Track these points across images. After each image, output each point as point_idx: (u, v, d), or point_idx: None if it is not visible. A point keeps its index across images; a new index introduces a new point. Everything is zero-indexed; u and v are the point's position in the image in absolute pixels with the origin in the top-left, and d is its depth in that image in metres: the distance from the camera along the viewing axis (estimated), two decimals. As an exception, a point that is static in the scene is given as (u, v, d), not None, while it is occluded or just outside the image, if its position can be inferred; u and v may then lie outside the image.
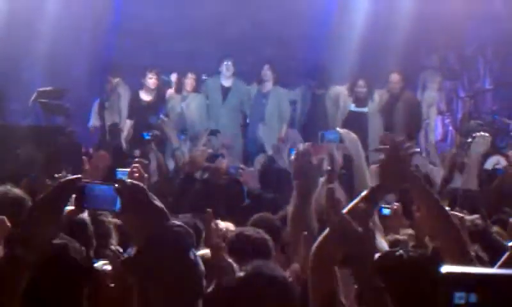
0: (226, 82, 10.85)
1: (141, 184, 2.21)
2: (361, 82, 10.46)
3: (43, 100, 10.44)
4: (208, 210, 3.59)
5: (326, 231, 2.67)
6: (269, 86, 10.83)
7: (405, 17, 11.38)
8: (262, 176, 6.69)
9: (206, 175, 6.39)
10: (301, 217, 3.30)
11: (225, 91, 10.84)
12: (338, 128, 4.77)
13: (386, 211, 5.09)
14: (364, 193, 2.85)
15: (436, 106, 11.55)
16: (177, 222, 2.19)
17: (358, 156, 4.25)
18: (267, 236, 3.55)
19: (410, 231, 4.18)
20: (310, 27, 12.10)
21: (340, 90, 10.71)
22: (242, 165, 6.71)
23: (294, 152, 6.27)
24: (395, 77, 10.57)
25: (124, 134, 10.35)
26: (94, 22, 12.03)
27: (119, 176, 5.03)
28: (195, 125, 10.55)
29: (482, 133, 5.49)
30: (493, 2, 11.98)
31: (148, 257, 2.10)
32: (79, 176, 2.24)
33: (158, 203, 2.19)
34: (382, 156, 3.03)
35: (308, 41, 12.25)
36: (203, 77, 11.01)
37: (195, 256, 2.14)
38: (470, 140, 5.50)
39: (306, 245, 3.01)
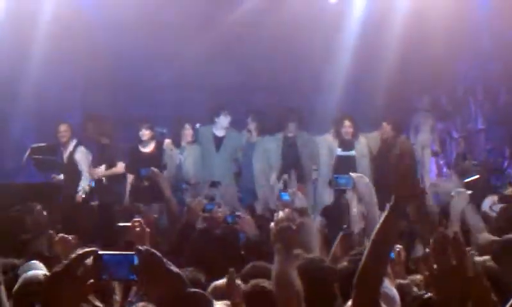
0: (219, 132, 10.86)
1: (158, 253, 2.21)
2: (347, 123, 10.47)
3: (36, 157, 10.44)
4: (231, 269, 3.62)
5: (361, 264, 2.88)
6: (254, 135, 10.87)
7: (394, 59, 11.49)
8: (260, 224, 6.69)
9: (204, 225, 6.40)
10: (285, 279, 3.32)
11: (218, 141, 10.85)
12: (351, 173, 4.78)
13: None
14: (385, 215, 2.98)
15: (430, 148, 11.59)
16: (195, 289, 2.19)
17: (370, 201, 4.28)
18: None
19: (418, 276, 4.16)
20: (298, 75, 12.20)
21: (326, 136, 10.74)
22: (238, 213, 6.70)
23: (284, 198, 6.34)
24: (385, 126, 10.64)
25: (127, 188, 10.32)
26: (85, 78, 12.07)
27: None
28: (192, 175, 10.56)
29: (458, 189, 5.51)
30: (480, 42, 12.12)
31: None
32: (95, 248, 2.24)
33: (175, 269, 2.20)
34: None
35: (297, 89, 12.35)
36: (197, 126, 11.02)
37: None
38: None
39: None
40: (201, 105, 11.69)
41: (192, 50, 11.93)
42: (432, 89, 12.36)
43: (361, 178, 4.56)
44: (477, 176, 9.47)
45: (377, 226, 2.97)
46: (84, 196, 9.85)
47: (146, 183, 8.10)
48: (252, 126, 10.88)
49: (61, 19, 11.15)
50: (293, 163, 10.33)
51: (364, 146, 10.53)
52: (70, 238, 4.72)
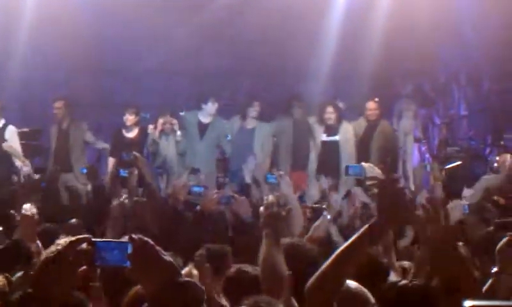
0: (205, 119, 10.80)
1: (151, 241, 2.24)
2: (329, 108, 10.52)
3: (20, 142, 10.39)
4: (201, 252, 3.66)
5: (321, 269, 2.75)
6: (254, 122, 10.83)
7: (378, 46, 11.54)
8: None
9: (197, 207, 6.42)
10: (272, 264, 3.38)
11: (203, 128, 10.77)
12: (363, 163, 4.83)
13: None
14: (362, 231, 2.82)
15: (413, 134, 11.66)
16: (187, 278, 2.23)
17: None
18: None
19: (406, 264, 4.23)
20: (285, 59, 12.21)
21: (312, 121, 10.79)
22: (233, 194, 6.73)
23: (270, 180, 6.37)
24: (371, 105, 10.65)
25: (108, 172, 10.30)
26: (67, 62, 12.02)
27: None
28: (174, 162, 10.54)
29: (455, 200, 5.63)
30: (462, 29, 12.19)
31: (159, 312, 2.13)
32: (88, 235, 2.28)
33: (168, 258, 2.23)
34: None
35: (284, 73, 12.37)
36: (181, 113, 10.98)
37: (207, 311, 2.17)
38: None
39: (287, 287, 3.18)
40: (186, 91, 11.69)
41: (178, 34, 11.91)
42: (415, 75, 12.43)
43: (373, 168, 4.61)
44: (459, 163, 9.58)
45: (349, 241, 2.80)
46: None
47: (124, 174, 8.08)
48: (255, 112, 10.80)
49: (45, 1, 11.11)
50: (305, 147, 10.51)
51: (348, 131, 10.58)
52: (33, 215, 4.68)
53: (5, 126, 10.17)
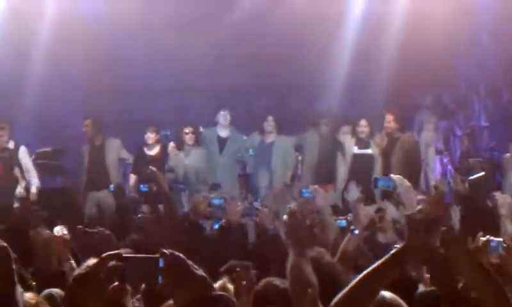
0: (223, 133, 10.89)
1: (182, 256, 2.21)
2: (363, 122, 10.51)
3: (41, 161, 10.44)
4: (238, 269, 3.62)
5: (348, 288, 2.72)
6: (272, 136, 10.84)
7: (395, 58, 11.50)
8: None
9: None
10: (300, 274, 3.30)
11: (222, 142, 10.87)
12: (392, 175, 4.75)
13: (341, 223, 5.16)
14: (390, 255, 2.77)
15: (434, 146, 11.60)
16: (220, 293, 2.20)
17: (410, 204, 4.24)
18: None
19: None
20: (301, 74, 12.20)
21: (342, 132, 10.77)
22: (257, 206, 6.71)
23: (305, 194, 6.32)
24: (388, 117, 10.61)
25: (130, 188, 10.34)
26: (84, 82, 12.08)
27: None
28: (195, 178, 10.56)
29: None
30: (479, 40, 12.14)
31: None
32: (120, 251, 2.25)
33: (200, 272, 2.20)
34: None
35: (299, 87, 12.36)
36: (200, 129, 11.03)
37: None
38: None
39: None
40: (203, 108, 11.70)
41: (192, 52, 11.96)
42: (433, 87, 12.38)
43: (402, 180, 4.53)
44: (482, 174, 9.48)
45: (378, 262, 2.75)
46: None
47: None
48: (271, 126, 10.81)
49: (62, 22, 11.19)
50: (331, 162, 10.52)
51: (378, 146, 10.58)
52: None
53: (17, 146, 10.23)
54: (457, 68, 12.61)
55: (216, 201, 6.76)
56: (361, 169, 10.31)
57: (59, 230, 4.79)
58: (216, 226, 6.65)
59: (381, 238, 5.90)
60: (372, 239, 5.67)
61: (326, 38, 11.71)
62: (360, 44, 11.59)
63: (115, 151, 10.57)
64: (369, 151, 10.52)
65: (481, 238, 4.19)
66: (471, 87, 12.58)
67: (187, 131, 10.71)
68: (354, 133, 10.62)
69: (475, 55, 12.28)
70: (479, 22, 11.96)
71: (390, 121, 10.55)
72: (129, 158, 10.76)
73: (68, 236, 4.79)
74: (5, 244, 2.88)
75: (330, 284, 3.58)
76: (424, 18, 11.36)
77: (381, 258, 2.74)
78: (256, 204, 6.93)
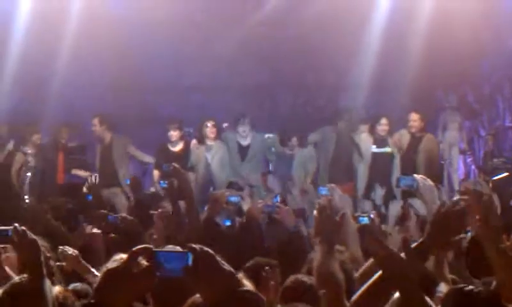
0: (244, 141, 10.84)
1: (210, 250, 2.24)
2: (384, 121, 10.51)
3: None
4: (267, 268, 3.62)
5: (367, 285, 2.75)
6: (295, 149, 10.86)
7: (419, 57, 11.45)
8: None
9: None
10: (327, 271, 3.28)
11: (243, 150, 10.82)
12: (415, 175, 4.75)
13: (364, 219, 5.14)
14: (409, 251, 2.77)
15: (458, 146, 11.56)
16: (247, 288, 2.22)
17: (433, 204, 4.23)
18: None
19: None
20: (324, 74, 12.21)
21: (360, 131, 10.77)
22: (278, 204, 6.71)
23: (322, 192, 6.32)
24: (414, 116, 10.59)
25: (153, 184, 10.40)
26: (110, 79, 12.16)
27: None
28: (219, 176, 10.57)
29: None
30: (505, 39, 12.05)
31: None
32: (149, 245, 2.29)
33: (227, 267, 2.23)
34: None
35: (323, 87, 12.36)
36: (224, 125, 11.03)
37: (266, 321, 2.16)
38: None
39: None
40: (227, 106, 11.73)
41: (218, 50, 11.99)
42: (458, 86, 12.32)
43: (425, 180, 4.53)
44: (506, 174, 9.44)
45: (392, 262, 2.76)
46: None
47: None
48: (294, 142, 10.84)
49: (89, 19, 11.27)
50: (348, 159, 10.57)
51: (396, 144, 10.58)
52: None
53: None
54: (482, 68, 12.53)
55: (233, 199, 6.74)
56: (381, 167, 10.32)
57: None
58: (227, 223, 6.66)
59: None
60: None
61: (352, 37, 11.70)
62: (385, 43, 11.56)
63: (123, 147, 10.63)
64: (388, 149, 10.51)
65: None
66: (496, 87, 12.49)
67: (209, 125, 10.70)
68: (372, 131, 10.60)
69: (500, 55, 12.20)
70: (505, 22, 11.89)
71: (415, 119, 10.54)
72: (140, 155, 10.79)
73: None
74: (34, 237, 2.94)
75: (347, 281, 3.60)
76: (450, 18, 11.30)
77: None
78: (277, 201, 6.90)
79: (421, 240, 2.87)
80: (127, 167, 10.70)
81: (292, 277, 3.78)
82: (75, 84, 11.79)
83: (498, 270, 2.83)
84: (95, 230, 4.88)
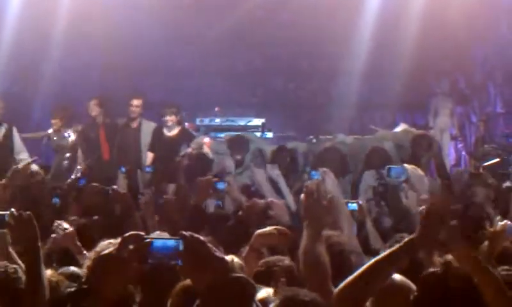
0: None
1: (202, 238, 2.26)
2: None
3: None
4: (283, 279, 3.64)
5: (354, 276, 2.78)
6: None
7: (412, 43, 11.46)
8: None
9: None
10: (313, 255, 3.30)
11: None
12: (405, 165, 4.78)
13: (352, 206, 5.18)
14: (400, 245, 2.85)
15: (449, 131, 11.61)
16: (239, 274, 2.24)
17: (423, 193, 4.25)
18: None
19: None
20: (318, 60, 12.20)
21: None
22: (272, 199, 6.72)
23: (314, 176, 6.32)
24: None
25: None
26: (102, 62, 12.13)
27: None
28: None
29: None
30: (498, 26, 12.07)
31: (211, 308, 2.15)
32: (141, 232, 2.31)
33: (219, 254, 2.25)
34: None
35: (316, 73, 12.35)
36: (216, 109, 11.03)
37: (257, 306, 2.19)
38: None
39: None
40: (220, 90, 11.73)
41: (210, 35, 11.96)
42: (450, 73, 12.34)
43: (415, 169, 4.55)
44: (496, 160, 9.49)
45: (386, 252, 2.85)
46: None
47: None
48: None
49: (81, 2, 11.23)
50: None
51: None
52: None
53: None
54: (474, 54, 12.55)
55: (220, 185, 6.74)
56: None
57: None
58: (219, 204, 6.67)
59: (386, 222, 5.92)
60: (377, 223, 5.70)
61: (345, 24, 11.68)
62: (379, 30, 11.56)
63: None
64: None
65: (499, 223, 4.21)
66: (487, 74, 12.52)
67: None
68: None
69: (493, 42, 12.21)
70: (498, 9, 11.89)
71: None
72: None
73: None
74: (35, 224, 2.96)
75: (340, 264, 3.60)
76: (444, 4, 11.31)
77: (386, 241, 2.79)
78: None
79: (411, 236, 2.89)
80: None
81: (264, 260, 3.81)
82: (66, 67, 11.74)
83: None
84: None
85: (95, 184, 6.92)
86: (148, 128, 10.56)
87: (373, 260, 2.82)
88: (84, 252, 4.44)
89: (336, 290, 2.82)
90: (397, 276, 3.05)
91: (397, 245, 2.83)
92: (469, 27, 11.47)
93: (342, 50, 11.76)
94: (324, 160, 8.17)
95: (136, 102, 10.42)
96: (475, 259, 2.81)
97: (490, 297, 2.74)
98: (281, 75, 12.75)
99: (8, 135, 10.16)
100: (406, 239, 2.85)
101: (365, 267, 2.81)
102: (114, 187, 6.57)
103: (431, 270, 2.96)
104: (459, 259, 2.82)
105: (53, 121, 10.62)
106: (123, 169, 8.70)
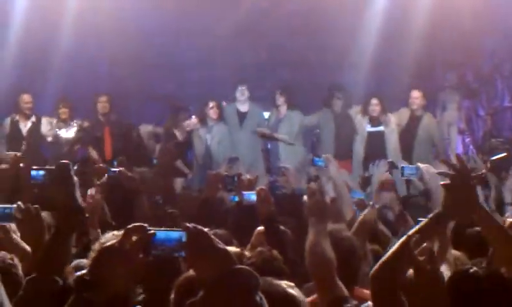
0: (242, 107, 10.98)
1: (205, 229, 2.26)
2: (374, 101, 10.59)
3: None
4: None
5: (388, 255, 2.86)
6: (283, 110, 10.92)
7: (420, 36, 11.44)
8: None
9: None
10: (318, 251, 3.39)
11: (242, 116, 10.95)
12: (419, 164, 4.82)
13: (357, 194, 5.21)
14: (426, 221, 2.98)
15: (456, 125, 11.58)
16: (242, 266, 2.24)
17: (437, 191, 4.29)
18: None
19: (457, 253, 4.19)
20: (325, 51, 12.17)
21: (355, 111, 10.82)
22: (285, 165, 6.74)
23: (318, 163, 6.33)
24: (415, 93, 10.65)
25: None
26: (110, 55, 12.13)
27: None
28: (219, 157, 10.59)
29: None
30: (506, 19, 12.02)
31: (214, 300, 2.15)
32: (143, 224, 2.30)
33: (222, 246, 2.25)
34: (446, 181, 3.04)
35: (324, 65, 12.32)
36: (223, 104, 11.07)
37: (261, 298, 2.18)
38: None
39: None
40: (227, 82, 11.72)
41: (218, 26, 11.95)
42: (458, 66, 12.30)
43: (429, 168, 4.58)
44: (504, 154, 9.45)
45: (413, 229, 2.95)
46: None
47: None
48: (280, 101, 10.90)
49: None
50: (348, 137, 10.63)
51: (392, 121, 10.62)
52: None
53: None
54: (483, 48, 12.51)
55: (229, 180, 6.76)
56: (376, 146, 10.39)
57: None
58: (236, 200, 6.70)
59: (390, 216, 5.96)
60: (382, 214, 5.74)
61: (352, 15, 11.67)
62: (387, 22, 11.53)
63: None
64: (381, 128, 10.57)
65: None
66: (495, 67, 12.47)
67: (211, 105, 10.76)
68: (365, 111, 10.62)
69: (501, 35, 12.16)
70: (507, 2, 11.85)
71: (417, 97, 10.60)
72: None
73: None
74: (38, 210, 2.95)
75: (348, 258, 3.67)
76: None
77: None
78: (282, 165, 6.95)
79: (437, 211, 3.01)
80: None
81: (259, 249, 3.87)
82: (74, 59, 11.74)
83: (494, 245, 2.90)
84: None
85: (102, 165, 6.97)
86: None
87: (405, 236, 2.90)
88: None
89: (372, 271, 2.92)
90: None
91: (426, 219, 2.97)
92: (476, 20, 11.43)
93: (350, 41, 11.74)
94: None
95: (102, 98, 10.72)
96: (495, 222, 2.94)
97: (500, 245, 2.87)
98: (288, 67, 12.72)
99: (36, 129, 10.34)
100: (434, 212, 2.99)
101: (397, 244, 2.90)
102: (121, 169, 6.60)
103: (463, 268, 3.02)
104: (481, 222, 2.92)
105: (61, 111, 10.66)
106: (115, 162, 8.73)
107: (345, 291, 3.31)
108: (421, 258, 2.79)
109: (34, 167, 3.68)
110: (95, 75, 12.21)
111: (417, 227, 2.95)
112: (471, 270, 2.86)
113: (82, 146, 10.53)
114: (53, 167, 3.01)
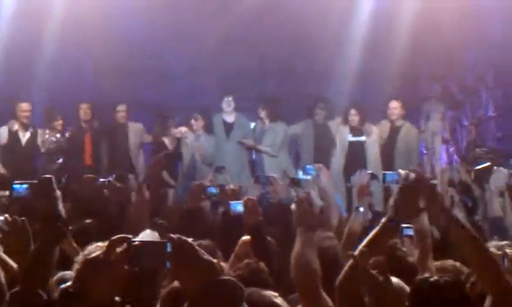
0: (229, 118, 10.98)
1: (189, 240, 2.26)
2: (352, 111, 10.69)
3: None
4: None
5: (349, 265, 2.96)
6: (267, 122, 10.96)
7: (405, 47, 11.50)
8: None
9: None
10: (304, 261, 3.40)
11: (228, 127, 10.94)
12: (400, 170, 4.85)
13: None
14: (379, 226, 3.14)
15: (440, 135, 11.64)
16: (227, 277, 2.24)
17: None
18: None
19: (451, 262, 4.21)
20: (311, 61, 12.21)
21: (337, 123, 10.88)
22: (272, 175, 6.75)
23: (309, 172, 6.34)
24: (393, 104, 10.73)
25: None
26: (95, 63, 12.10)
27: None
28: (204, 166, 10.58)
29: (502, 168, 5.72)
30: (489, 29, 12.11)
31: (199, 311, 2.15)
32: (127, 235, 2.30)
33: (207, 257, 2.25)
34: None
35: (309, 75, 12.36)
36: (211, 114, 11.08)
37: (246, 309, 2.18)
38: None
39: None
40: (213, 91, 11.72)
41: (204, 35, 11.95)
42: (442, 77, 12.38)
43: (408, 174, 4.61)
44: (488, 164, 9.51)
45: (369, 236, 3.10)
46: None
47: None
48: (263, 114, 10.95)
49: (73, 1, 11.22)
50: (326, 149, 10.68)
51: (373, 131, 10.68)
52: None
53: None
54: (466, 59, 12.60)
55: (212, 190, 6.73)
56: (357, 156, 10.45)
57: None
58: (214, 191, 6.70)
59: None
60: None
61: (337, 26, 11.72)
62: (372, 33, 11.60)
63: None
64: (362, 138, 10.63)
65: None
66: (479, 78, 12.56)
67: (195, 117, 10.75)
68: (346, 121, 10.69)
69: (484, 45, 12.25)
70: (490, 12, 11.93)
71: (395, 107, 10.68)
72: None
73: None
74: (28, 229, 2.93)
75: (332, 268, 3.67)
76: (435, 8, 11.36)
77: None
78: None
79: (388, 216, 3.19)
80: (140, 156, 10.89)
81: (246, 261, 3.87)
82: (59, 66, 11.69)
83: (474, 264, 2.91)
84: None
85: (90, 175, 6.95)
86: (135, 129, 10.69)
87: (360, 245, 3.05)
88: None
89: (337, 280, 3.02)
90: (394, 279, 3.12)
91: (377, 228, 3.14)
92: (459, 31, 11.51)
93: (334, 52, 11.78)
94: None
95: (83, 106, 10.81)
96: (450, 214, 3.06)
97: (467, 251, 2.93)
98: (275, 76, 12.75)
99: (34, 139, 10.34)
100: (384, 219, 3.16)
101: (352, 257, 3.02)
102: (111, 179, 6.58)
103: (424, 276, 3.04)
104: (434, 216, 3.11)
105: (57, 123, 10.69)
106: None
107: (330, 302, 3.31)
108: (373, 272, 2.84)
109: (17, 181, 3.64)
110: (80, 84, 12.17)
111: (368, 237, 3.07)
112: (431, 279, 2.91)
113: (62, 155, 10.53)
114: (35, 181, 2.99)
